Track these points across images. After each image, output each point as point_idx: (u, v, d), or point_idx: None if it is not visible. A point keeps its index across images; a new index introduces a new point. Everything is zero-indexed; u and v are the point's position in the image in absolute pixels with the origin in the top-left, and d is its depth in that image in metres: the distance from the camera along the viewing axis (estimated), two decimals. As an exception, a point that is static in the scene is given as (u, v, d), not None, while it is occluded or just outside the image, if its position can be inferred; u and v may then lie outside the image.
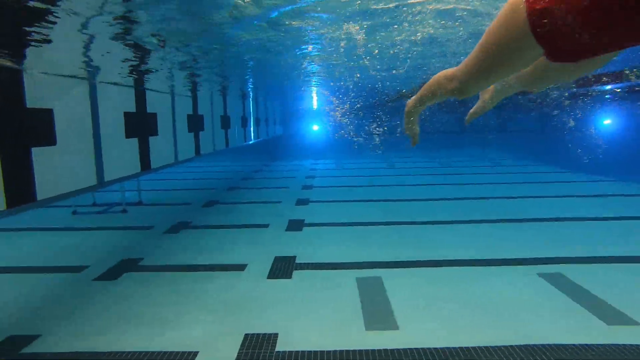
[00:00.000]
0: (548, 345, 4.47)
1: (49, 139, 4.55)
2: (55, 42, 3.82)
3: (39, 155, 4.39)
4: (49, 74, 4.60)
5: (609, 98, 17.75)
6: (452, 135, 29.12)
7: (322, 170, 19.37)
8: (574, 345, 4.47)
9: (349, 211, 10.79)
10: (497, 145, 26.16)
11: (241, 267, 6.93)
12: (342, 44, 5.89)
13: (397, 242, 8.06)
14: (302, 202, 12.12)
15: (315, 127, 29.63)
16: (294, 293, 5.91)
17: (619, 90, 14.78)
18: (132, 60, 5.01)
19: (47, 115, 4.49)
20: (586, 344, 4.48)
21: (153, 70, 5.82)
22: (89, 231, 9.51)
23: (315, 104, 21.64)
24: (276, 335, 4.78)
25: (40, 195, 4.43)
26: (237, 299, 5.77)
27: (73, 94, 5.03)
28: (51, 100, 4.60)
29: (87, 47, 4.20)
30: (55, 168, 4.67)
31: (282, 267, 6.89)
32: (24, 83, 4.19)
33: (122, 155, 6.23)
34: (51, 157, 4.58)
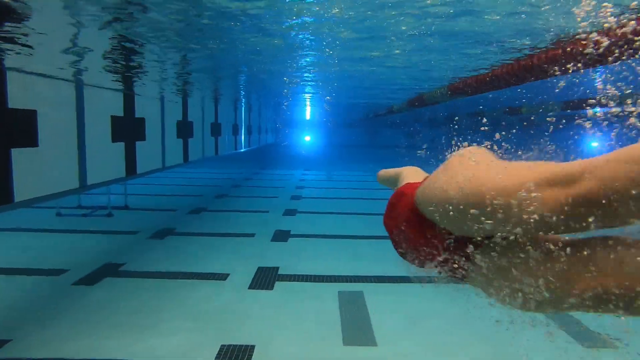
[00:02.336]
0: (525, 366, 4.47)
1: (31, 141, 4.50)
2: (40, 37, 3.79)
3: (19, 157, 4.34)
4: (35, 75, 4.56)
5: (598, 120, 18.03)
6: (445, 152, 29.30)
7: (312, 181, 19.36)
8: (550, 367, 4.47)
9: (336, 223, 10.77)
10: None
11: (223, 277, 6.87)
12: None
13: (382, 257, 8.03)
14: (289, 212, 12.08)
15: (307, 138, 29.74)
16: (274, 305, 5.86)
17: (604, 113, 14.98)
18: (120, 59, 4.97)
19: (30, 117, 4.46)
20: (562, 367, 4.48)
21: (143, 70, 5.78)
22: (72, 234, 9.40)
23: (308, 114, 21.77)
24: (253, 347, 4.72)
25: (18, 197, 4.37)
26: (217, 308, 5.71)
27: (59, 95, 5.00)
28: (35, 101, 4.57)
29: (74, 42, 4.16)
30: (36, 170, 4.61)
31: (265, 278, 6.84)
32: (6, 83, 4.16)
33: (107, 159, 6.18)
34: (32, 159, 4.53)
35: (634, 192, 0.95)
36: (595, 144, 20.98)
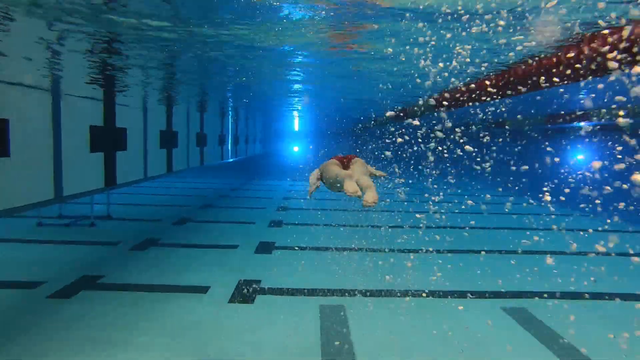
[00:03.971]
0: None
1: (2, 151, 4.39)
2: (14, 46, 3.73)
3: (-11, 167, 4.23)
4: (7, 83, 4.46)
5: (582, 134, 18.26)
6: (429, 162, 29.43)
7: (299, 192, 19.27)
8: (529, 384, 4.42)
9: (321, 235, 10.69)
10: (473, 175, 26.49)
11: (204, 290, 6.75)
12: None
13: (366, 270, 7.98)
14: (275, 223, 11.99)
15: (296, 149, 29.73)
16: (253, 319, 5.75)
17: (592, 127, 15.18)
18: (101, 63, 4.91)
19: (0, 126, 4.35)
20: (542, 384, 4.43)
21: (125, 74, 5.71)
22: (52, 244, 9.19)
23: (296, 125, 21.75)
24: (229, 363, 4.62)
25: (-13, 209, 4.25)
26: (194, 323, 5.59)
27: (34, 104, 4.90)
28: (7, 110, 4.46)
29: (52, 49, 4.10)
30: (7, 180, 4.50)
31: (246, 291, 6.73)
32: (-24, 92, 4.07)
33: (85, 169, 6.06)
34: (2, 169, 4.42)
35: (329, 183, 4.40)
36: (581, 157, 21.21)
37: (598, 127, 14.31)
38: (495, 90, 5.83)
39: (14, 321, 5.49)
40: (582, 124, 15.91)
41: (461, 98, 6.44)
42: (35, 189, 5.10)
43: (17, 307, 5.95)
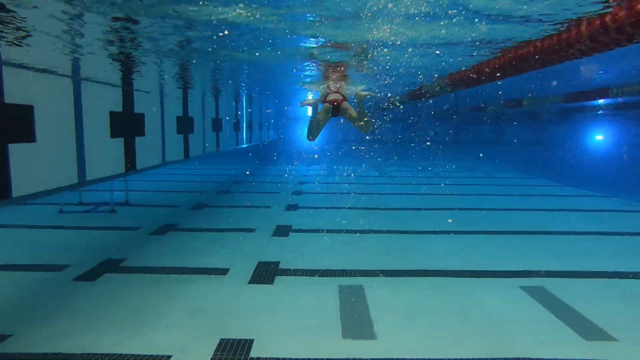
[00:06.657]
0: (526, 359, 4.45)
1: (28, 136, 4.50)
2: (38, 34, 3.79)
3: (17, 152, 4.34)
4: (32, 70, 4.55)
5: (601, 113, 17.92)
6: (447, 145, 29.27)
7: (314, 176, 19.33)
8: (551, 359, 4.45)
9: (337, 218, 10.75)
10: (491, 157, 26.27)
11: (224, 271, 6.87)
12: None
13: (383, 251, 8.03)
14: (291, 207, 12.08)
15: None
16: (274, 299, 5.86)
17: (608, 105, 14.85)
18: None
19: (27, 112, 4.45)
20: (564, 359, 4.46)
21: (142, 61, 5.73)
22: (74, 230, 9.42)
23: (310, 110, 21.67)
24: (252, 341, 4.72)
25: (16, 193, 4.37)
26: (216, 303, 5.72)
27: (56, 91, 4.99)
28: (32, 96, 4.56)
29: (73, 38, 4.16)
30: (34, 165, 4.61)
31: (265, 273, 6.84)
32: (2, 78, 4.15)
33: (106, 154, 6.17)
34: (30, 155, 4.53)
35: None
36: (599, 137, 20.88)
37: None
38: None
39: (43, 302, 5.68)
40: (601, 101, 15.58)
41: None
42: (60, 174, 5.21)
43: (46, 289, 6.14)
